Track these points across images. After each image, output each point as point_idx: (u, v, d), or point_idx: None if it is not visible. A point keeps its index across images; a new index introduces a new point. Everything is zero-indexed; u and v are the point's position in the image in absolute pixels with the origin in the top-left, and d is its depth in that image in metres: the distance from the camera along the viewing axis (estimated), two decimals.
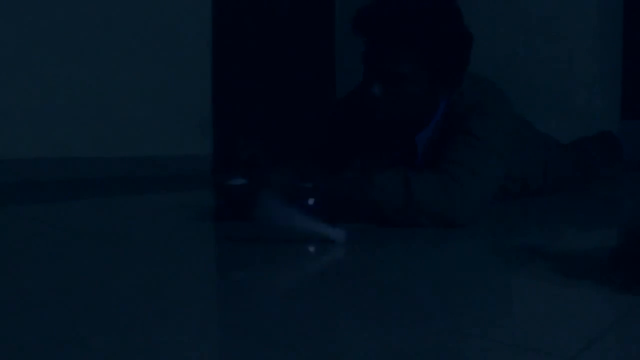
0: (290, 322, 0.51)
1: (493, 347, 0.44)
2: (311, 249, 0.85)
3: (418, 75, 1.07)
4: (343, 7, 3.29)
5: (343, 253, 0.83)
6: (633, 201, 1.67)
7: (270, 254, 0.81)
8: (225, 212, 1.08)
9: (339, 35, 3.32)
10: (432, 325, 0.49)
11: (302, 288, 0.62)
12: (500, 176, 1.13)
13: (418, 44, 1.05)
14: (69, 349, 0.42)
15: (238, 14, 2.85)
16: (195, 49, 2.63)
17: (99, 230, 1.03)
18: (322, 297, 0.59)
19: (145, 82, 2.45)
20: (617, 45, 2.62)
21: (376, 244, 0.90)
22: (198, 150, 2.66)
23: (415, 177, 1.01)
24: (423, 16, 1.05)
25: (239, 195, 1.04)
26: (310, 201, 0.98)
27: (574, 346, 0.43)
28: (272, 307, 0.57)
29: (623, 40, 2.61)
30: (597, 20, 2.52)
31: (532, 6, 2.64)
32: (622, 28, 2.61)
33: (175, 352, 0.42)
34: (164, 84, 2.51)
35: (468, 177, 1.02)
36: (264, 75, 2.97)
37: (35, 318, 0.50)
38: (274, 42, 3.00)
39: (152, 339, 0.44)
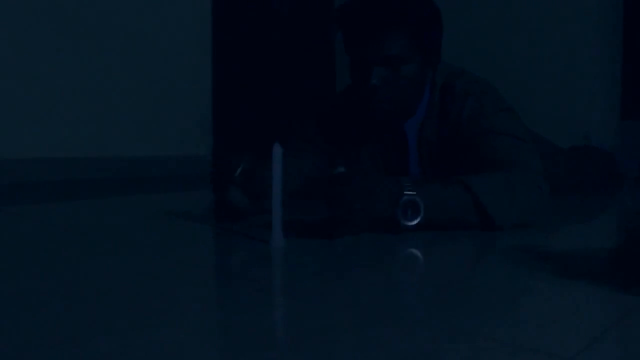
0: (290, 322, 0.51)
1: (493, 347, 0.44)
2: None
3: (411, 55, 1.10)
4: None
5: (342, 252, 0.83)
6: (633, 201, 1.67)
7: (269, 254, 0.81)
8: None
9: (339, 34, 3.32)
10: (432, 325, 0.49)
11: (301, 287, 0.62)
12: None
13: (407, 23, 1.08)
14: (69, 349, 0.42)
15: (238, 14, 2.85)
16: (195, 48, 2.63)
17: (99, 230, 1.03)
18: (322, 296, 0.59)
19: (146, 82, 2.45)
20: (617, 45, 2.62)
21: (374, 244, 0.90)
22: (198, 150, 2.66)
23: (513, 176, 1.00)
24: None
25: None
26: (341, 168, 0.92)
27: (574, 346, 0.43)
28: (271, 307, 0.57)
29: (623, 40, 2.61)
30: (597, 20, 2.52)
31: (532, 6, 2.64)
32: (622, 28, 2.61)
33: (175, 352, 0.42)
34: (164, 84, 2.51)
35: (538, 177, 1.03)
36: (264, 75, 2.97)
37: (36, 318, 0.50)
38: (274, 42, 3.00)
39: (152, 339, 0.44)
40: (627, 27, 2.59)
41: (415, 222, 0.92)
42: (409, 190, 0.92)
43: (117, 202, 1.51)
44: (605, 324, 0.50)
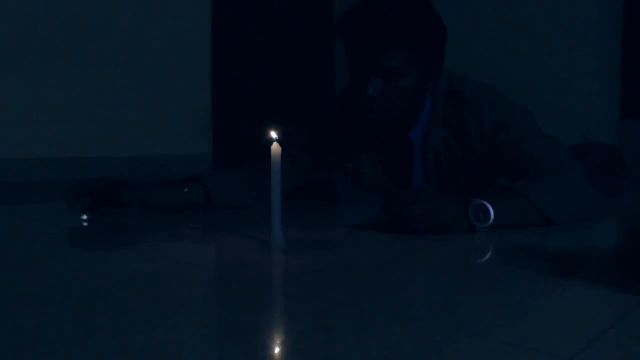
0: (289, 322, 0.51)
1: (493, 347, 0.44)
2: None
3: (411, 69, 1.09)
4: (342, 7, 3.29)
5: (343, 252, 0.83)
6: (633, 201, 1.67)
7: (269, 254, 0.81)
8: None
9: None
10: (432, 325, 0.49)
11: (301, 287, 0.62)
12: None
13: (409, 37, 1.07)
14: (69, 349, 0.42)
15: (238, 15, 2.85)
16: (195, 49, 2.63)
17: (99, 230, 1.03)
18: (322, 296, 0.59)
19: (146, 82, 2.45)
20: (617, 45, 2.61)
21: (375, 244, 0.90)
22: (198, 150, 2.66)
23: (562, 177, 1.05)
24: (410, 11, 1.08)
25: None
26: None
27: (574, 346, 0.43)
28: (271, 307, 0.57)
29: (623, 40, 2.61)
30: (597, 20, 2.52)
31: (532, 6, 2.64)
32: (622, 28, 2.61)
33: (175, 352, 0.42)
34: (164, 84, 2.51)
35: (581, 172, 1.08)
36: (264, 75, 2.97)
37: (35, 318, 0.50)
38: (274, 42, 3.00)
39: (152, 339, 0.44)
40: (627, 27, 2.59)
41: (487, 225, 0.95)
42: (477, 198, 0.96)
43: None
44: (605, 324, 0.50)
